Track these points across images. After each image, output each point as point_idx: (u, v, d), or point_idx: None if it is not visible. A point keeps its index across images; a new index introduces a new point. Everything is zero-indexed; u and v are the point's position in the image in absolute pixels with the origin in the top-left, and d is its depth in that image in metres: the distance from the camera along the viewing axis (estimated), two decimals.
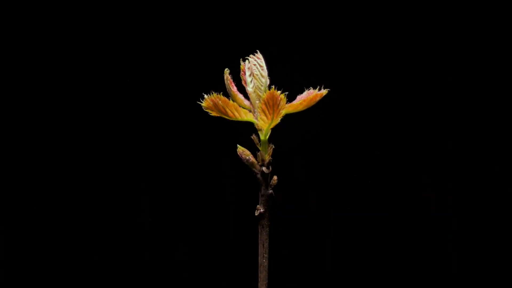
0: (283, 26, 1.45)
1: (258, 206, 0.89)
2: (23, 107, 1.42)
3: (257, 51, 0.87)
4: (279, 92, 0.82)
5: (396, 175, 1.46)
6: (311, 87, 0.88)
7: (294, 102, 0.88)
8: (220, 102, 0.84)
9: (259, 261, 0.90)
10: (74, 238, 1.44)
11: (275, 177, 0.88)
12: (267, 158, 0.88)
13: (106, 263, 1.45)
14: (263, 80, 0.87)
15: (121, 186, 1.45)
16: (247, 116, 0.86)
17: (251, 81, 0.86)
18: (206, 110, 0.85)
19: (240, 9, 1.44)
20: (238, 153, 0.88)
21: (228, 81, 0.88)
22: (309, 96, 0.87)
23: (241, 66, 0.88)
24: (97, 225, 1.44)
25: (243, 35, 1.43)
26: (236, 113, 0.85)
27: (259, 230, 0.89)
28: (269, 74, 0.87)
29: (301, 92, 0.89)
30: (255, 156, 0.89)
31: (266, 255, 0.89)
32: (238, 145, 0.86)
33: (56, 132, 1.43)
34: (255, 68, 0.86)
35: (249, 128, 0.89)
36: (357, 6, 1.45)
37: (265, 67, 0.87)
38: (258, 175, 0.88)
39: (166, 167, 1.45)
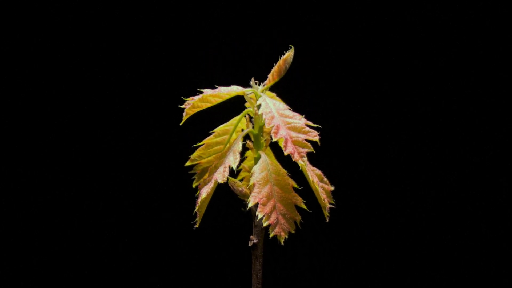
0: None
1: (251, 236, 0.86)
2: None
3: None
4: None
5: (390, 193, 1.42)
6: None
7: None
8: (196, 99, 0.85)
9: None
10: (68, 237, 1.42)
11: None
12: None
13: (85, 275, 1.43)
14: None
15: (108, 211, 1.42)
16: (233, 92, 0.85)
17: None
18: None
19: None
20: (230, 185, 0.84)
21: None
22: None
23: None
24: (77, 233, 1.42)
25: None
26: (216, 98, 0.85)
27: (253, 261, 0.87)
28: None
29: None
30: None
31: (259, 286, 0.87)
32: (229, 177, 0.81)
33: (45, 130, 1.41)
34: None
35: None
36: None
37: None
38: (252, 206, 0.84)
39: (155, 197, 1.43)
